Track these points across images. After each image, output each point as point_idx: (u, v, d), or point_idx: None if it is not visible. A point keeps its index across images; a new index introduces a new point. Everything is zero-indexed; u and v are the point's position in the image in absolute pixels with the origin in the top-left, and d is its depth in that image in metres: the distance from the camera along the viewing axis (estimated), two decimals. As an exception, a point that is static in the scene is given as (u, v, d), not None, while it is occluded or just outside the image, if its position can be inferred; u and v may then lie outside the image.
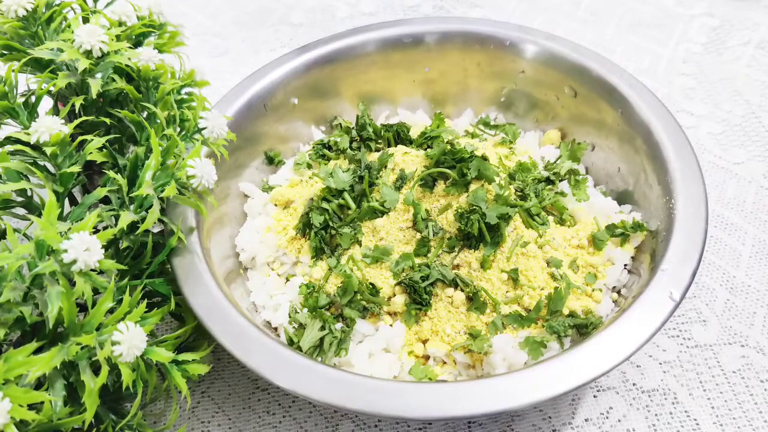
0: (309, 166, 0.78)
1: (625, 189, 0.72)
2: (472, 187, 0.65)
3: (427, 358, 0.62)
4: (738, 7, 1.06)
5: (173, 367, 0.53)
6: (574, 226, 0.69)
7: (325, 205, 0.67)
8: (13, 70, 0.58)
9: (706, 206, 0.61)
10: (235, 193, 0.75)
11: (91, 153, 0.56)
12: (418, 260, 0.64)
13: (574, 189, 0.72)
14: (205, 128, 0.61)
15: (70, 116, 0.61)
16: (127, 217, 0.54)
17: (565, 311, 0.62)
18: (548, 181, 0.73)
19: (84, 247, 0.46)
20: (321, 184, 0.70)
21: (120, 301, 0.50)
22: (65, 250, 0.45)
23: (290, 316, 0.64)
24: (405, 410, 0.50)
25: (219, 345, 0.55)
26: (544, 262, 0.64)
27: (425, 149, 0.73)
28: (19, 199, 0.58)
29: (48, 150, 0.53)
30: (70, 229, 0.47)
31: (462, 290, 0.62)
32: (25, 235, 0.56)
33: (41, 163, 0.57)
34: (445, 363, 0.62)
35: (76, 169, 0.55)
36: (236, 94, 0.74)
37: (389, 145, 0.76)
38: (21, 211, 0.58)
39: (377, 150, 0.76)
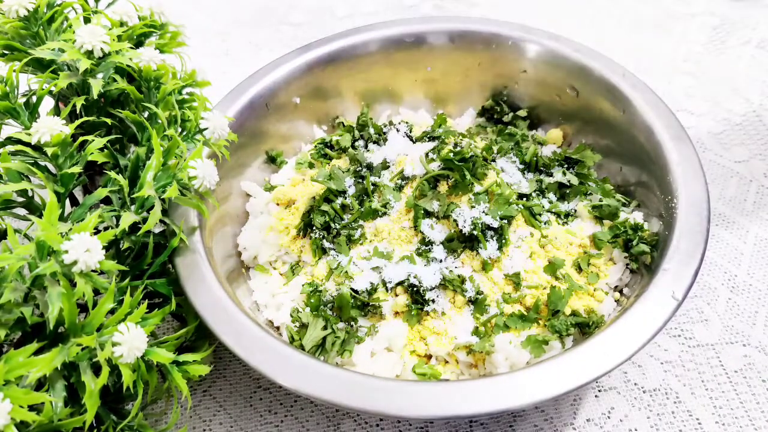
0: (311, 166, 0.78)
1: (626, 188, 0.72)
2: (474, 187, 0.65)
3: (429, 357, 0.62)
4: (738, 7, 1.06)
5: (174, 368, 0.53)
6: (575, 225, 0.69)
7: (325, 206, 0.67)
8: (14, 71, 0.58)
9: (708, 205, 0.61)
10: (237, 192, 0.75)
11: (92, 153, 0.56)
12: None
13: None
14: (206, 129, 0.61)
15: (71, 116, 0.61)
16: (128, 218, 0.54)
17: (567, 311, 0.62)
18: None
19: (85, 248, 0.46)
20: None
21: (121, 302, 0.50)
22: (66, 251, 0.45)
23: (292, 316, 0.64)
24: (406, 409, 0.50)
25: (221, 344, 0.55)
26: (547, 262, 0.64)
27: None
28: (20, 199, 0.57)
29: (49, 150, 0.53)
30: (71, 229, 0.47)
31: (464, 290, 0.62)
32: (26, 235, 0.56)
33: (42, 163, 0.56)
34: (447, 362, 0.61)
35: (77, 169, 0.55)
36: (238, 94, 0.74)
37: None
38: (22, 211, 0.58)
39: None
